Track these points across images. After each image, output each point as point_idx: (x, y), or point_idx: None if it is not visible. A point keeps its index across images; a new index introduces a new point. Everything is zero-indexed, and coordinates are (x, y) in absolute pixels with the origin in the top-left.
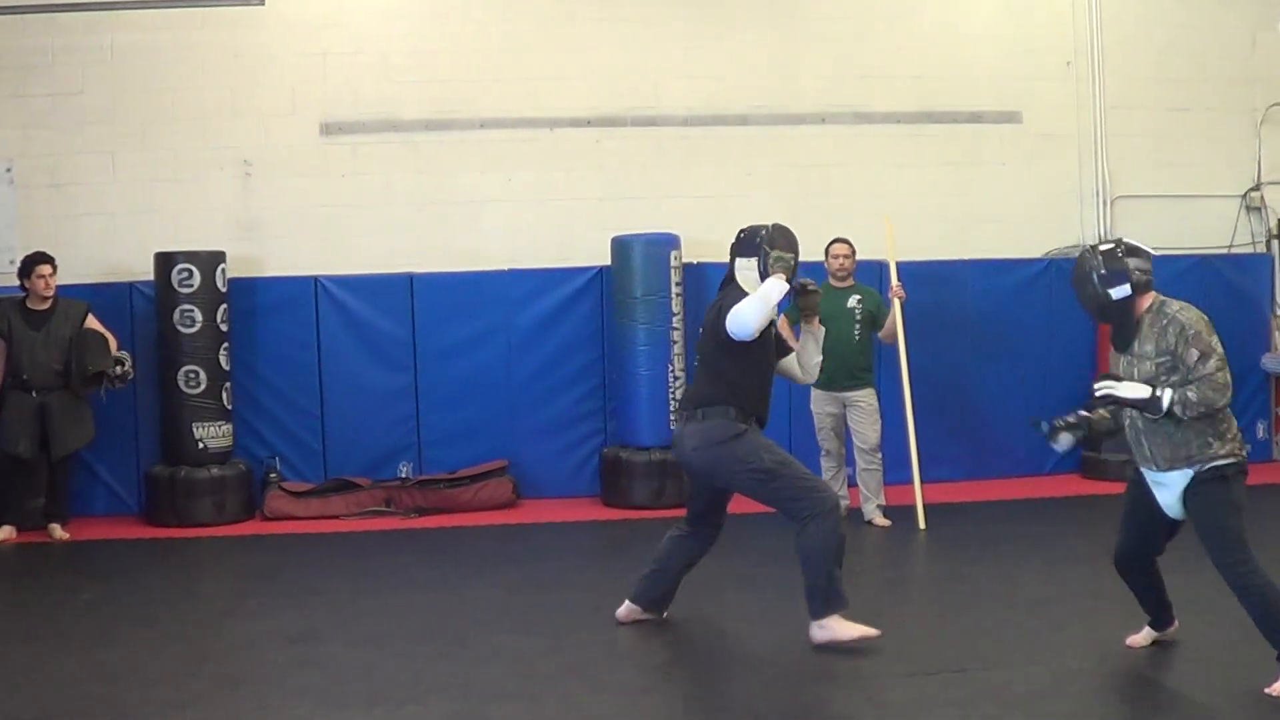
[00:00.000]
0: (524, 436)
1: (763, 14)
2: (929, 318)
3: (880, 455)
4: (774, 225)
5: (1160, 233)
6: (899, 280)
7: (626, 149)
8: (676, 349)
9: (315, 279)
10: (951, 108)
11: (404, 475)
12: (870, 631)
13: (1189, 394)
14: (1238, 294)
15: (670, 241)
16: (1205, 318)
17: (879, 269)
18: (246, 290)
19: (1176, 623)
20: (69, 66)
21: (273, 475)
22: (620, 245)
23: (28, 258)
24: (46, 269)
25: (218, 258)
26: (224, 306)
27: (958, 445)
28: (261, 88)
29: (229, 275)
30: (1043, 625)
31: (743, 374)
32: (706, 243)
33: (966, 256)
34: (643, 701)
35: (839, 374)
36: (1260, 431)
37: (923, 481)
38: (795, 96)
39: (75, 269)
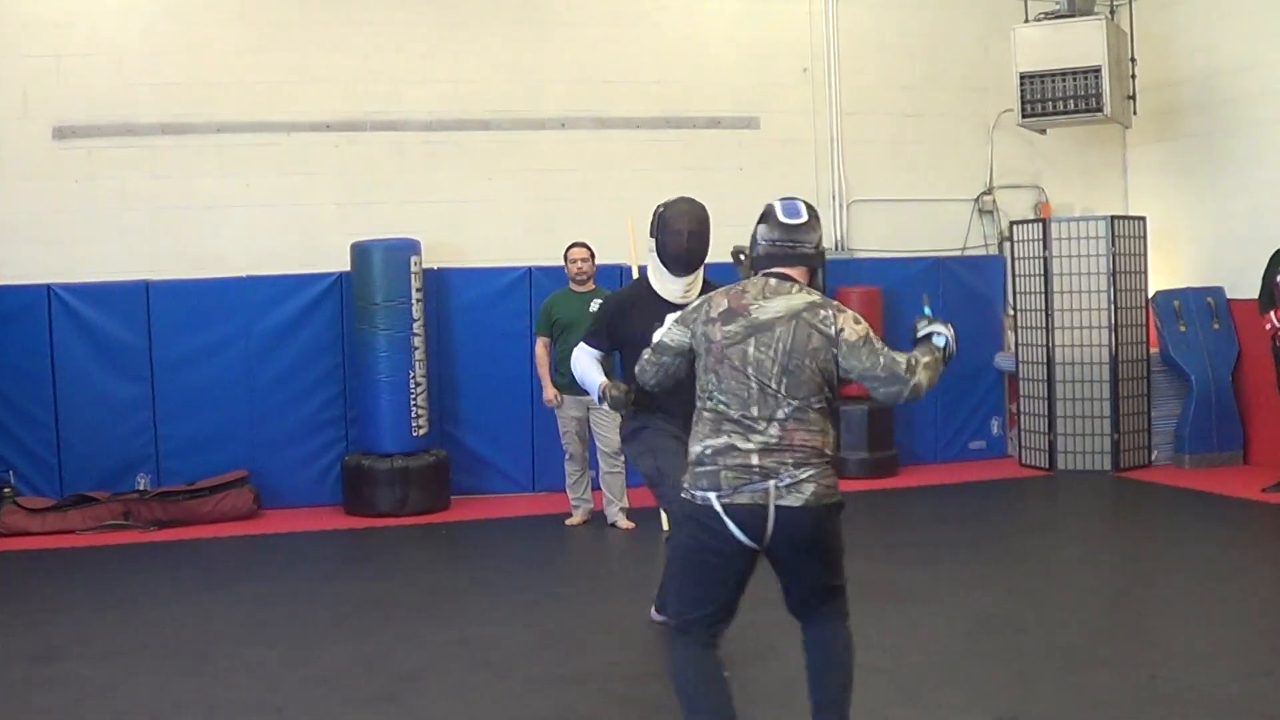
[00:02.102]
0: (264, 446)
1: (503, 19)
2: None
3: (623, 458)
4: (673, 201)
5: (896, 235)
6: None
7: (367, 154)
8: (418, 355)
9: (48, 287)
10: (691, 113)
11: (142, 487)
12: None
13: None
14: (972, 294)
15: (411, 247)
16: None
17: (621, 271)
18: None
19: None
20: None
21: (7, 490)
22: (360, 251)
23: None
24: None
25: None
26: None
27: None
28: None
29: None
30: (786, 622)
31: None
32: (448, 247)
33: (706, 260)
34: (390, 710)
35: None
36: (995, 428)
37: None
38: (536, 101)
39: None
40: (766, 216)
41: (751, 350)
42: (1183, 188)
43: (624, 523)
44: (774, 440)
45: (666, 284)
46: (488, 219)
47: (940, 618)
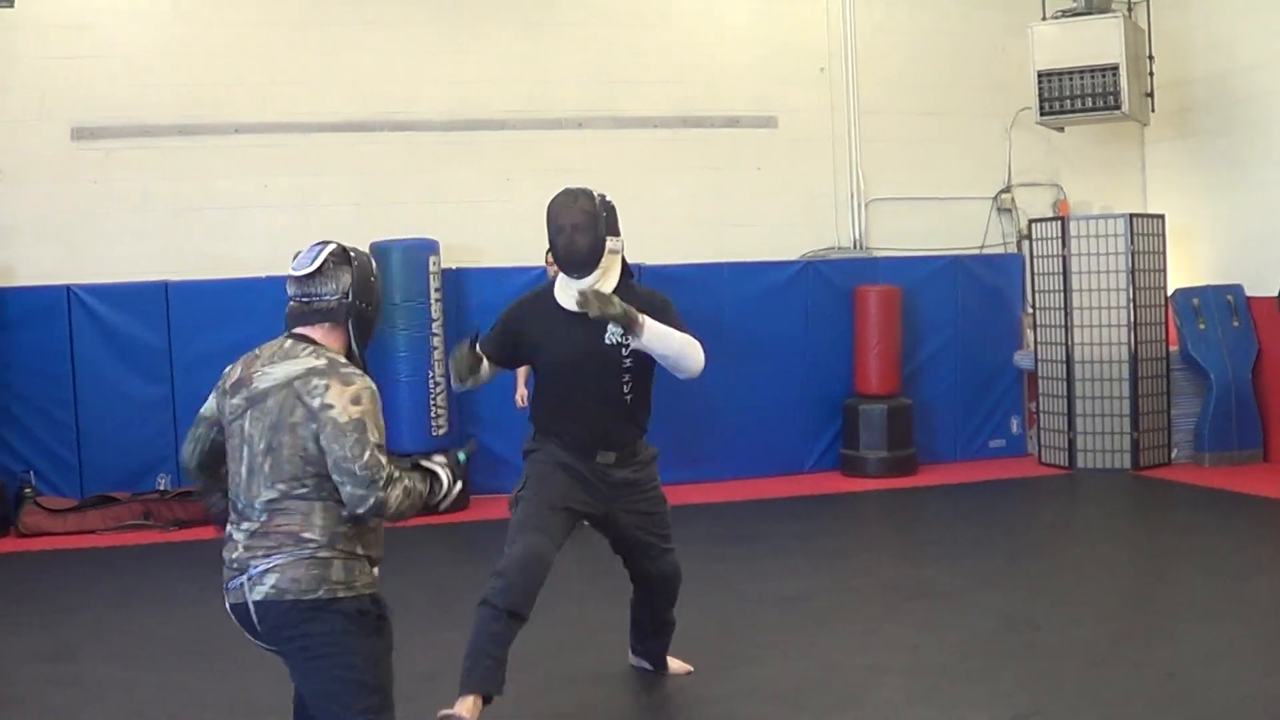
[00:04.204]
0: None
1: (519, 19)
2: (690, 319)
3: None
4: (559, 192)
5: (914, 234)
6: None
7: (383, 154)
8: (437, 355)
9: (68, 288)
10: (708, 112)
11: (162, 488)
12: None
13: None
14: (990, 293)
15: (429, 247)
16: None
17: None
18: None
19: None
20: None
21: (27, 490)
22: (379, 251)
23: None
24: None
25: None
26: None
27: (717, 445)
28: (10, 91)
29: None
30: (803, 621)
31: (542, 388)
32: (465, 248)
33: (723, 260)
34: (406, 709)
35: None
36: (1014, 426)
37: (685, 482)
38: (553, 101)
39: None
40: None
41: (247, 425)
42: (1201, 185)
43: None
44: (257, 527)
45: (565, 289)
46: (505, 219)
47: (958, 616)
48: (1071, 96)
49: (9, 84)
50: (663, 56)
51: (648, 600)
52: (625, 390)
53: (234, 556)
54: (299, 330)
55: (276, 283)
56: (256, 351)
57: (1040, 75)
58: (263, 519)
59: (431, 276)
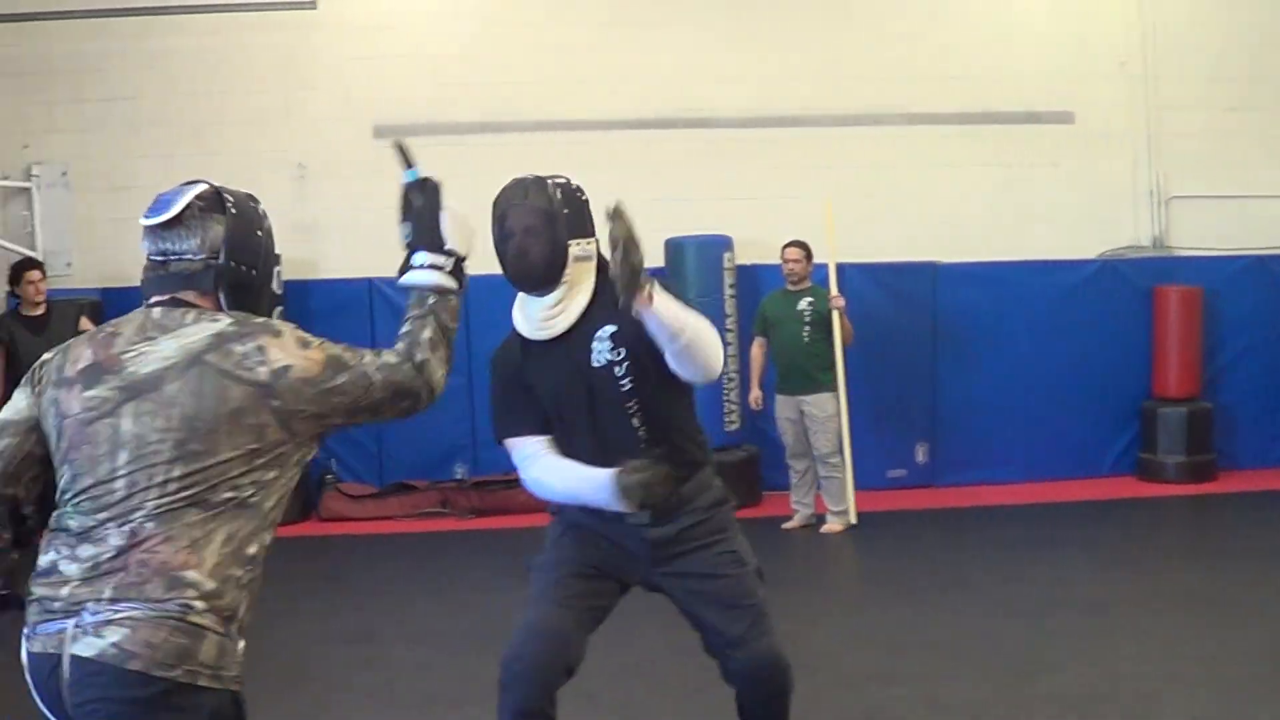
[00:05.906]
0: None
1: (814, 15)
2: (984, 318)
3: (839, 460)
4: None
5: (1215, 233)
6: (838, 290)
7: (679, 151)
8: (730, 350)
9: (370, 281)
10: (1004, 108)
11: (460, 477)
12: None
13: None
14: None
15: (724, 243)
16: None
17: (937, 270)
18: (302, 292)
19: None
20: (123, 71)
21: (329, 476)
22: (674, 247)
23: (16, 265)
24: (36, 274)
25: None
26: (280, 309)
27: (1013, 447)
28: (314, 91)
29: (284, 278)
30: (1098, 628)
31: (560, 432)
32: (759, 244)
33: (1019, 257)
34: (698, 699)
35: (793, 378)
36: None
37: (980, 483)
38: (847, 97)
39: (132, 273)
40: None
41: (128, 425)
42: None
43: (832, 527)
44: (109, 556)
45: (524, 309)
46: (797, 215)
47: (1258, 628)
48: None
49: (313, 83)
50: (958, 51)
51: (741, 699)
52: (635, 423)
53: (60, 594)
54: (162, 298)
55: None
56: (114, 328)
57: None
58: (121, 542)
59: (725, 273)
